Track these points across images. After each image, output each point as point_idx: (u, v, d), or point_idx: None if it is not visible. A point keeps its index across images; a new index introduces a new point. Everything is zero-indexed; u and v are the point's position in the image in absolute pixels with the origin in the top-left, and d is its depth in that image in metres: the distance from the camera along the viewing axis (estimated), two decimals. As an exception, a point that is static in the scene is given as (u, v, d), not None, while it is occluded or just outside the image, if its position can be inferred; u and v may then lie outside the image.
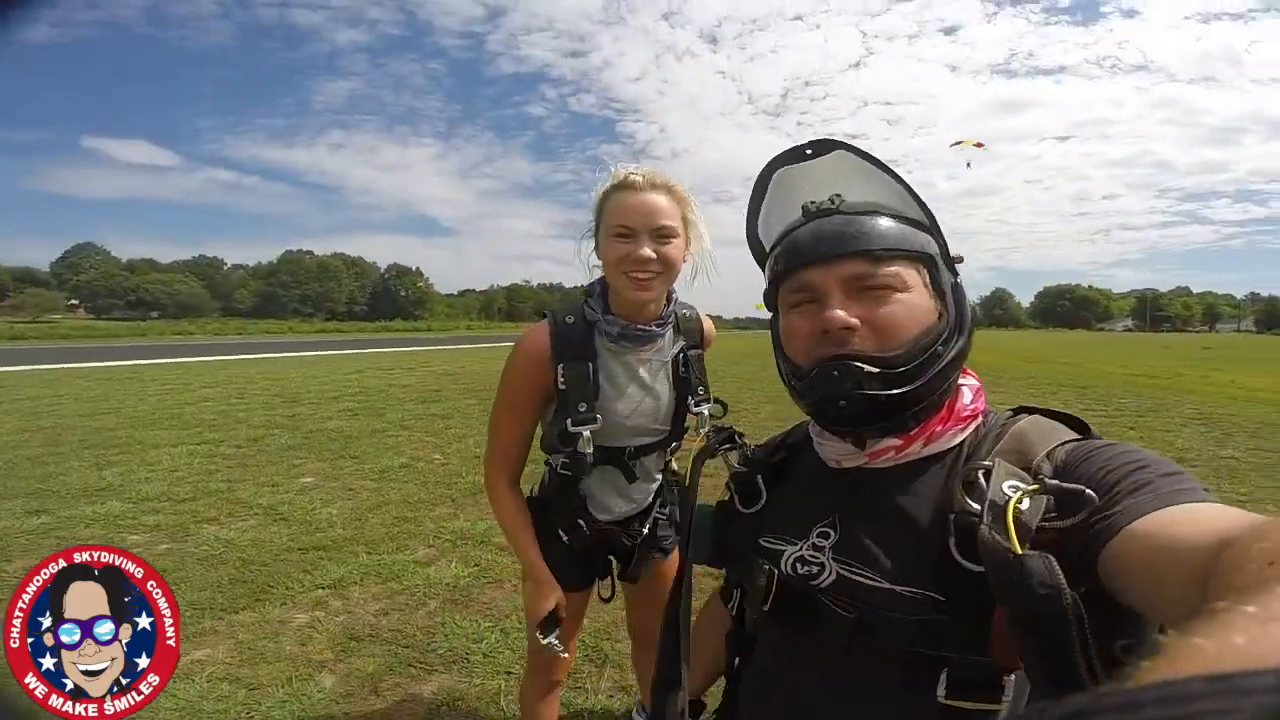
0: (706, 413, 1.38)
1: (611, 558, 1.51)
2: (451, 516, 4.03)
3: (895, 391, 0.67)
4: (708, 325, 1.46)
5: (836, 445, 0.75)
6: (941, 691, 0.60)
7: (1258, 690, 0.15)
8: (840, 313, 0.68)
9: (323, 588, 2.97)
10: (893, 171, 0.75)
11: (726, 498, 0.88)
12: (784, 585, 0.73)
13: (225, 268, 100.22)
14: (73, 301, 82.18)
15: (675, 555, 1.54)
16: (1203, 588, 0.40)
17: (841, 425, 0.72)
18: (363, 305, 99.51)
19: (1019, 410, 0.76)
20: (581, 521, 1.38)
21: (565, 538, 1.39)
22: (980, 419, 0.74)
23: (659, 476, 1.48)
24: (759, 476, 0.84)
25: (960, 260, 0.75)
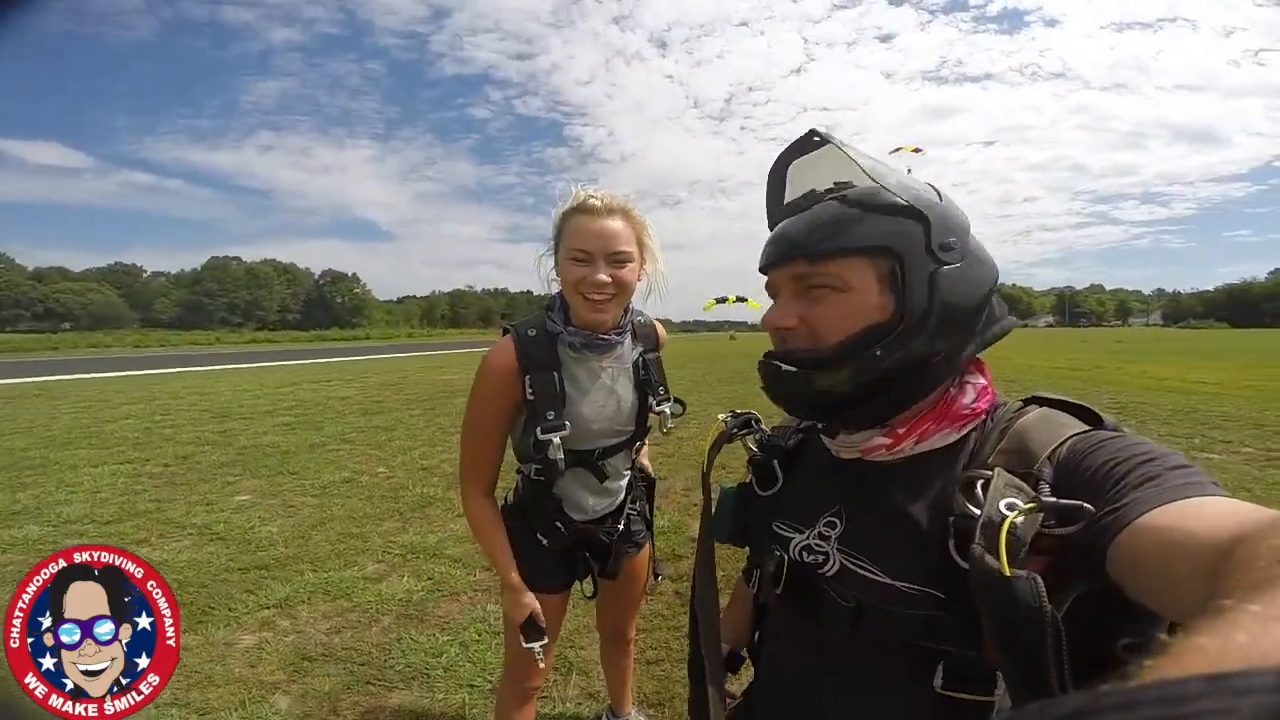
0: (668, 411, 1.45)
1: (589, 557, 1.55)
2: (400, 530, 3.93)
3: (811, 391, 0.70)
4: (660, 330, 1.54)
5: (830, 439, 0.78)
6: (938, 682, 0.62)
7: (1257, 690, 0.15)
8: (773, 314, 0.72)
9: (268, 608, 2.86)
10: (879, 161, 0.73)
11: (748, 480, 0.89)
12: (793, 571, 0.75)
13: (145, 276, 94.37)
14: (-30, 313, 75.84)
15: (646, 550, 1.64)
16: (1213, 584, 0.40)
17: (792, 414, 0.76)
18: (296, 314, 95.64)
19: (1029, 401, 0.74)
20: (559, 524, 1.43)
21: (544, 540, 1.44)
22: (983, 417, 0.72)
23: (627, 473, 1.53)
24: (774, 461, 0.85)
25: (953, 246, 0.68)
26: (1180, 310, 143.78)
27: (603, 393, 1.38)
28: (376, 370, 16.96)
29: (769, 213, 0.82)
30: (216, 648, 2.52)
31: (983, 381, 0.74)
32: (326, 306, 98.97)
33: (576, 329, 1.32)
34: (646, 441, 1.57)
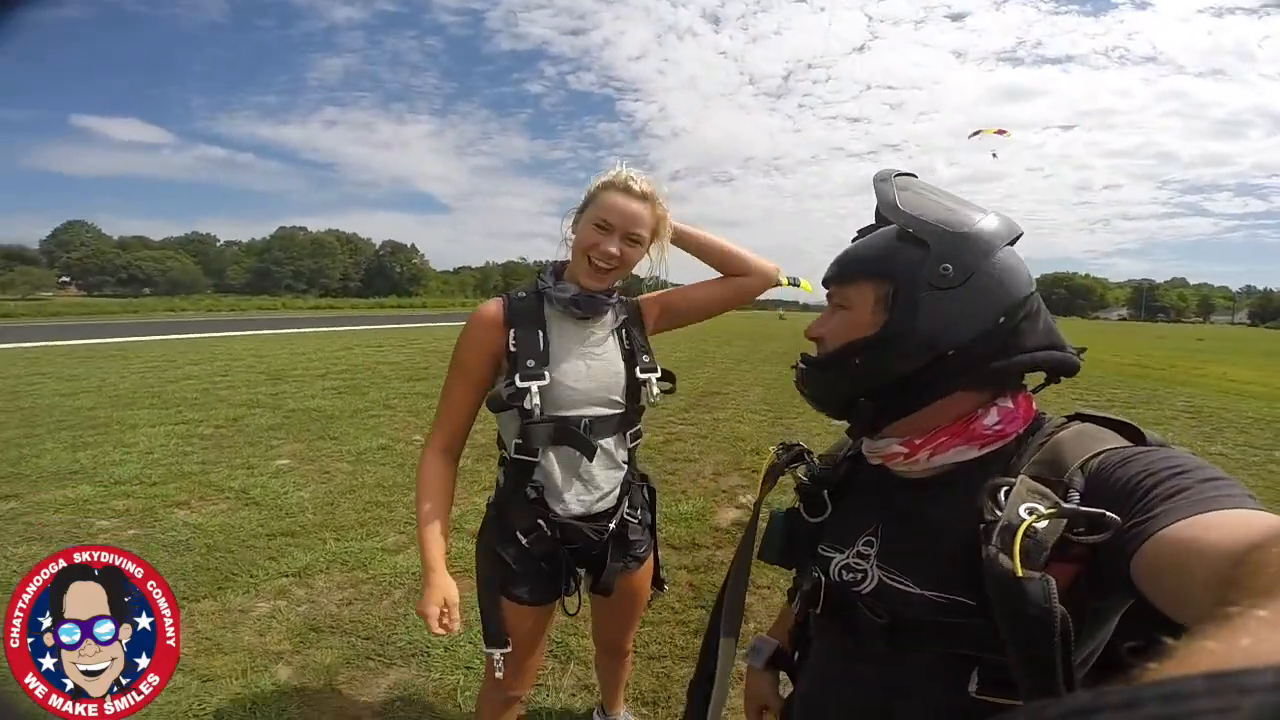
0: (654, 379, 1.41)
1: (580, 570, 1.46)
2: (426, 502, 3.97)
3: (809, 390, 0.83)
4: (641, 302, 1.51)
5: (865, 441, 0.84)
6: (973, 687, 0.65)
7: (1257, 689, 0.15)
8: (812, 327, 0.84)
9: (287, 576, 2.93)
10: (928, 191, 0.81)
11: (796, 505, 0.93)
12: (831, 590, 0.80)
13: (218, 244, 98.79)
14: (64, 279, 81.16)
15: (648, 566, 1.53)
16: (1225, 592, 0.39)
17: (815, 408, 0.85)
18: (357, 282, 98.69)
19: (1074, 417, 0.76)
20: (540, 521, 1.34)
21: (525, 541, 1.35)
22: (1009, 438, 0.74)
23: (623, 464, 1.42)
24: (824, 492, 0.89)
25: (950, 274, 0.72)
26: (1271, 309, 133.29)
27: (587, 352, 1.37)
28: (427, 337, 17.36)
29: None
30: (231, 614, 2.59)
31: (1010, 406, 0.75)
32: (386, 275, 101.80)
33: (566, 284, 1.35)
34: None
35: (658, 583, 1.62)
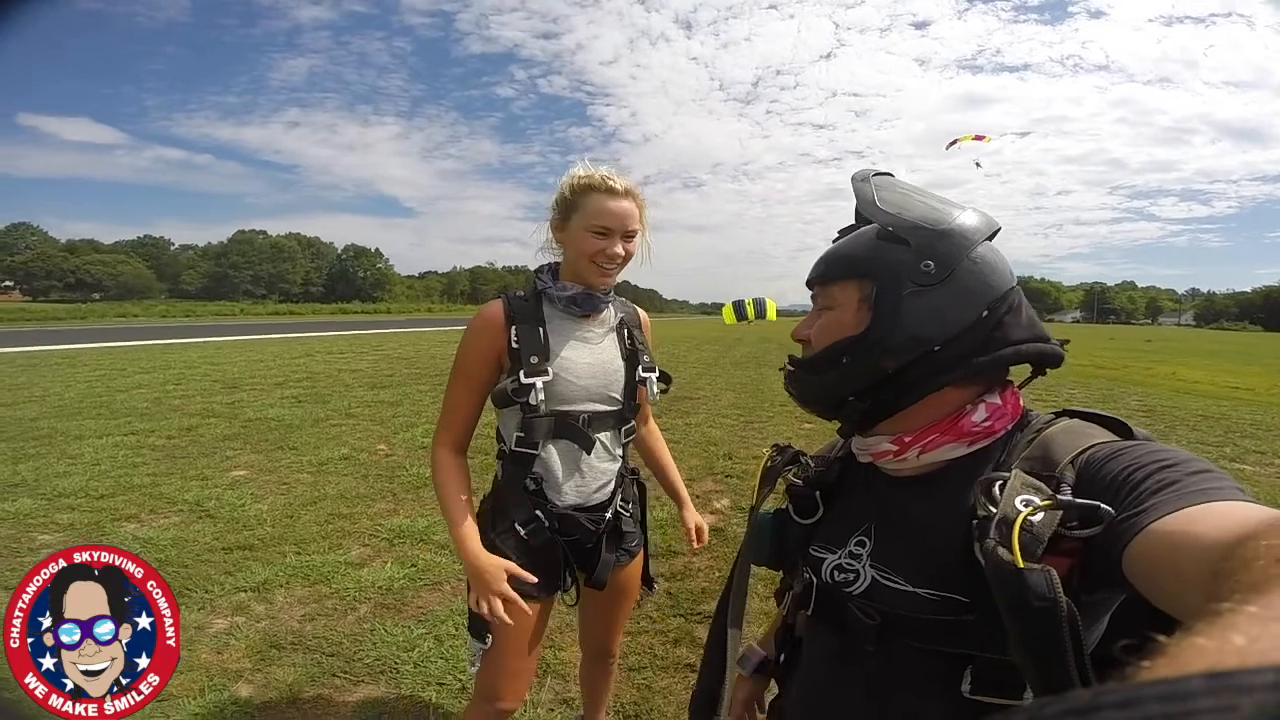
0: (654, 377, 1.45)
1: (575, 563, 1.45)
2: (391, 513, 3.86)
3: (797, 389, 0.83)
4: (643, 315, 1.56)
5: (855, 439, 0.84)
6: (966, 687, 0.64)
7: (1258, 688, 0.15)
8: (797, 329, 0.83)
9: (245, 591, 2.79)
10: (908, 190, 0.82)
11: (784, 507, 0.93)
12: (822, 590, 0.79)
13: (173, 248, 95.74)
14: (7, 283, 77.64)
15: (639, 561, 1.57)
16: (1216, 585, 0.40)
17: (804, 409, 0.85)
18: (319, 287, 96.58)
19: (1061, 414, 0.77)
20: (539, 512, 1.36)
21: (523, 532, 1.36)
22: (998, 434, 0.75)
23: (618, 458, 1.45)
24: (816, 493, 0.89)
25: (931, 271, 0.72)
26: (1214, 311, 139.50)
27: (588, 349, 1.40)
28: (391, 344, 17.00)
29: None
30: (187, 632, 2.42)
31: (998, 402, 0.75)
32: (349, 280, 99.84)
33: (565, 283, 1.38)
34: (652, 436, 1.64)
35: (647, 581, 1.63)
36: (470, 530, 1.31)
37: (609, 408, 1.41)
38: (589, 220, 1.33)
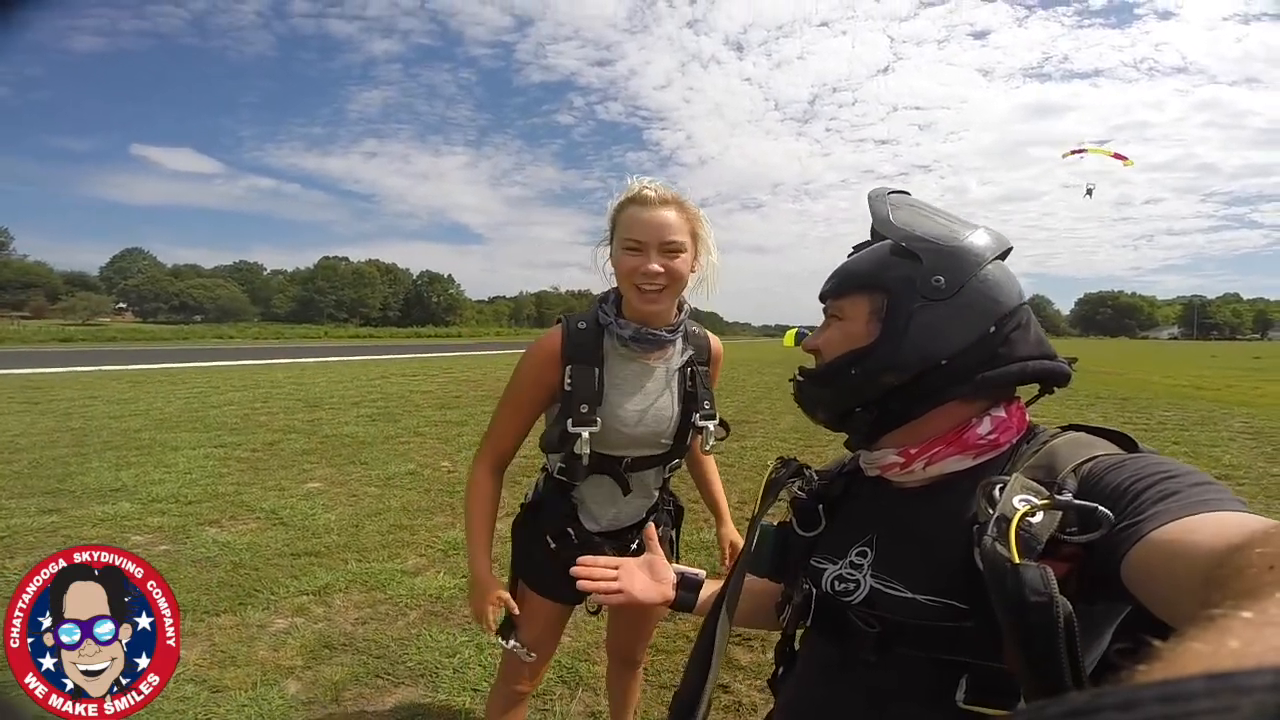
0: (711, 429, 1.38)
1: None
2: (448, 526, 4.00)
3: (806, 400, 0.84)
4: (715, 345, 1.48)
5: (862, 454, 0.85)
6: (961, 696, 0.64)
7: (1257, 689, 0.15)
8: (808, 340, 0.86)
9: (307, 594, 2.96)
10: (921, 207, 0.84)
11: (787, 519, 0.94)
12: (821, 601, 0.80)
13: (265, 273, 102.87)
14: (120, 305, 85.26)
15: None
16: (1209, 592, 0.40)
17: (813, 421, 0.86)
18: (396, 311, 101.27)
19: (1066, 428, 0.77)
20: (570, 530, 1.38)
21: (553, 544, 1.39)
22: (1004, 448, 0.75)
23: (655, 493, 1.47)
24: (820, 506, 0.89)
25: (942, 286, 0.74)
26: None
27: (644, 397, 1.33)
28: (461, 366, 17.65)
29: None
30: (249, 629, 2.63)
31: (1003, 415, 0.76)
32: (423, 305, 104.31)
33: (627, 321, 1.31)
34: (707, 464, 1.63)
35: None
36: (482, 550, 1.36)
37: (655, 452, 1.38)
38: (623, 234, 1.27)
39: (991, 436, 0.75)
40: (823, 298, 0.86)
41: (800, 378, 0.85)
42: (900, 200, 0.84)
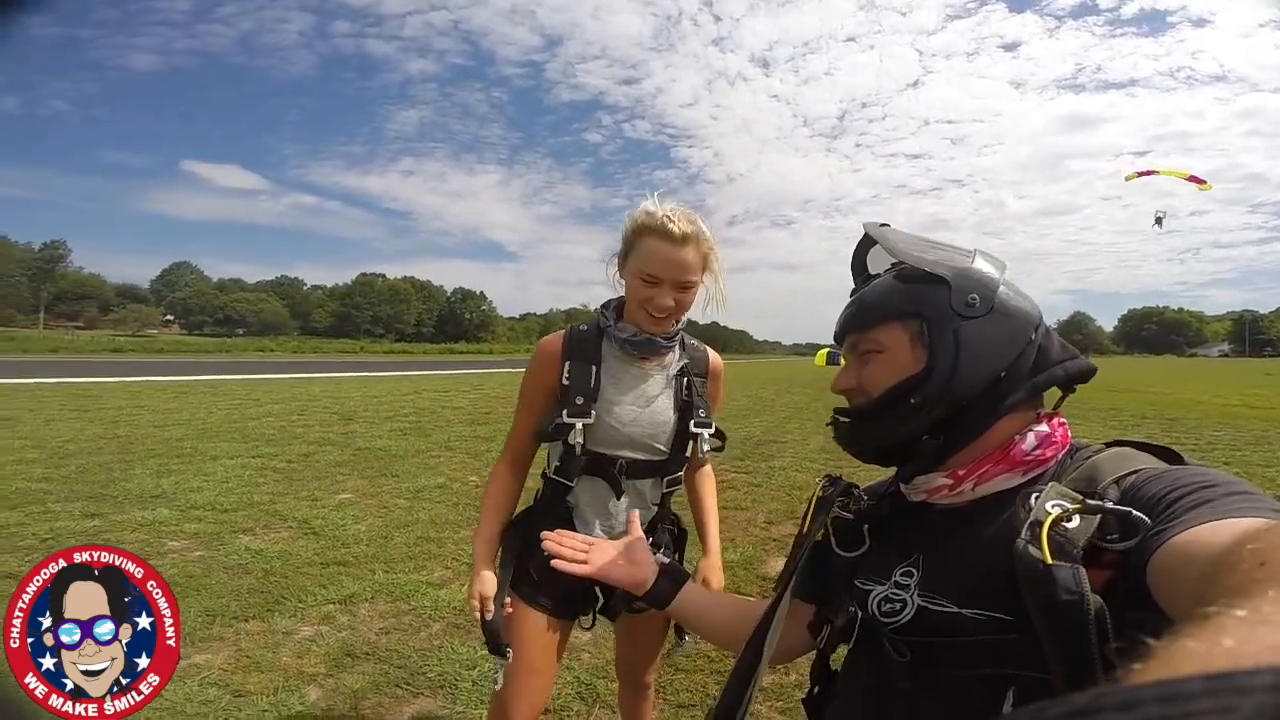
0: (705, 435, 1.40)
1: (598, 589, 1.42)
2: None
3: (865, 437, 0.82)
4: (715, 360, 1.51)
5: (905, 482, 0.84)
6: (1009, 708, 0.65)
7: (1257, 689, 0.15)
8: (837, 380, 0.85)
9: (333, 603, 3.00)
10: (912, 239, 0.85)
11: (821, 537, 0.92)
12: (865, 624, 0.80)
13: (305, 288, 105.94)
14: (168, 317, 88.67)
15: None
16: (1203, 590, 0.41)
17: (861, 460, 0.84)
18: (430, 327, 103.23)
19: (1112, 444, 0.77)
20: None
21: (547, 553, 1.35)
22: (1050, 464, 0.76)
23: (653, 506, 1.43)
24: (864, 527, 0.89)
25: (974, 304, 0.76)
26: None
27: (640, 397, 1.37)
28: (492, 383, 17.85)
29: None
30: (275, 635, 2.67)
31: (1046, 430, 0.77)
32: (457, 321, 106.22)
33: (626, 324, 1.36)
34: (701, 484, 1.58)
35: (679, 631, 1.50)
36: (488, 540, 1.38)
37: (651, 457, 1.38)
38: (641, 265, 1.29)
39: (1038, 452, 0.75)
40: (841, 336, 0.86)
41: (846, 418, 0.84)
42: (895, 232, 0.86)
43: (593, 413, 1.32)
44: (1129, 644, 0.56)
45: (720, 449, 1.47)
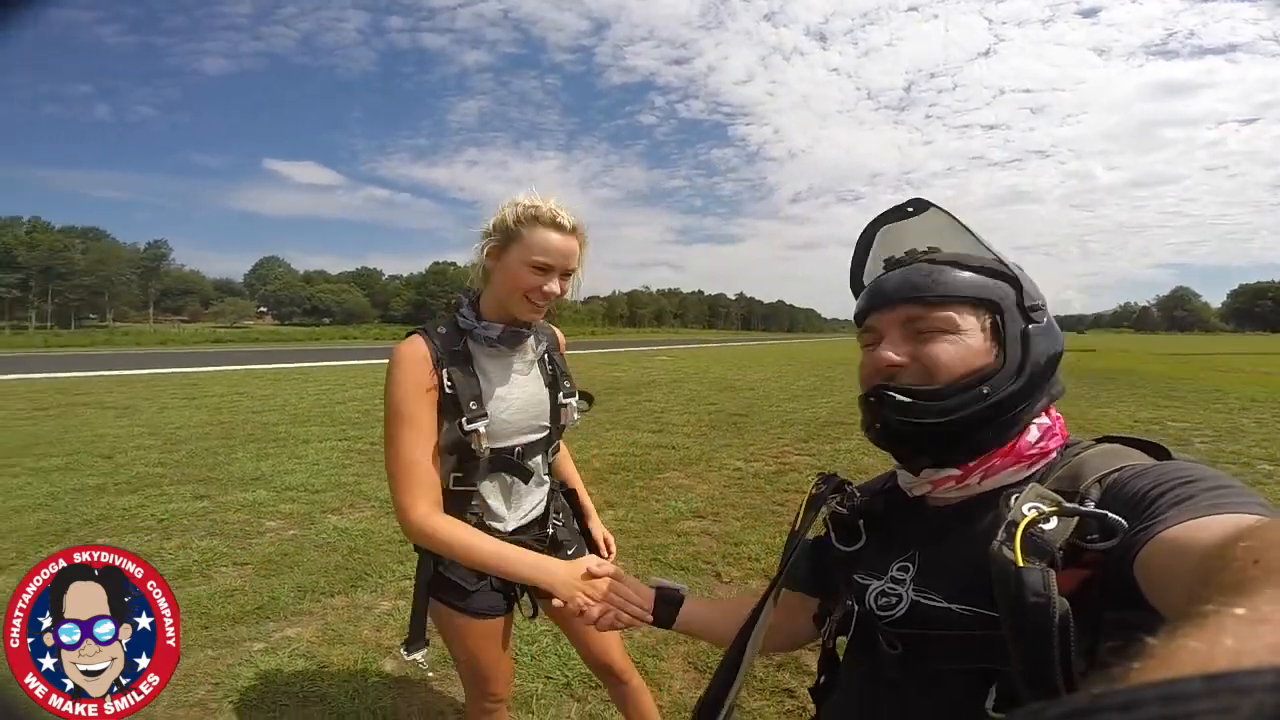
0: (574, 404, 1.48)
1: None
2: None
3: (925, 421, 0.75)
4: (559, 334, 1.59)
5: (905, 474, 0.84)
6: (990, 704, 0.66)
7: (1256, 690, 0.15)
8: (887, 352, 0.78)
9: (409, 579, 3.18)
10: (973, 233, 0.83)
11: (823, 533, 0.95)
12: (862, 617, 0.82)
13: (383, 278, 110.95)
14: (261, 309, 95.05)
15: None
16: (1197, 588, 0.41)
17: (882, 445, 0.81)
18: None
19: (1101, 440, 0.78)
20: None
21: None
22: (1052, 455, 0.77)
23: (547, 479, 1.50)
24: (860, 521, 0.90)
25: (1040, 308, 0.78)
26: None
27: (516, 386, 1.40)
28: (558, 366, 18.16)
29: (856, 271, 0.94)
30: (357, 610, 2.92)
31: (1048, 422, 0.78)
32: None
33: (490, 322, 1.36)
34: (564, 450, 1.62)
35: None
36: (506, 547, 1.25)
37: (539, 436, 1.43)
38: (530, 254, 1.29)
39: (1041, 444, 0.76)
40: (895, 302, 0.79)
41: (906, 397, 0.76)
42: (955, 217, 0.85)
43: (489, 414, 1.31)
44: (1107, 643, 0.59)
45: (587, 410, 1.53)
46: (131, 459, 5.88)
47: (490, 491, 1.39)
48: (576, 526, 1.63)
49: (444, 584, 1.39)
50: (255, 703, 2.26)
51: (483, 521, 1.36)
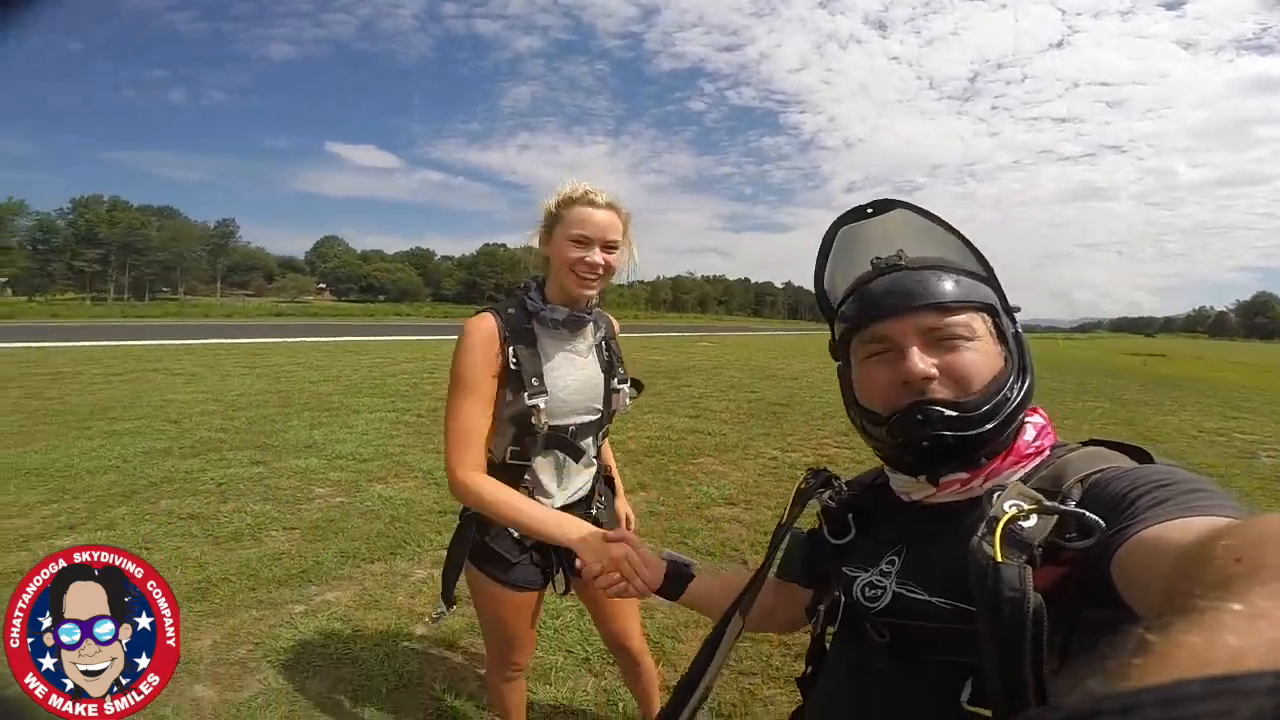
0: (626, 390, 1.55)
1: (559, 552, 1.50)
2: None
3: (973, 433, 0.72)
4: (615, 323, 1.64)
5: (906, 480, 0.82)
6: (965, 696, 0.67)
7: (1256, 692, 0.16)
8: (920, 364, 0.73)
9: (444, 549, 3.34)
10: (952, 227, 0.82)
11: (817, 526, 0.96)
12: (848, 608, 0.82)
13: (436, 258, 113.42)
14: (321, 285, 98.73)
15: None
16: (1174, 584, 0.42)
17: (922, 467, 0.77)
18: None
19: (1086, 443, 0.78)
20: None
21: (516, 533, 1.44)
22: (1046, 454, 0.77)
23: (595, 461, 1.57)
24: (849, 515, 0.90)
25: (1018, 310, 0.80)
26: None
27: (575, 368, 1.47)
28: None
29: (820, 274, 0.93)
30: (394, 577, 3.06)
31: (1041, 420, 0.80)
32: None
33: (555, 305, 1.43)
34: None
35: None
36: (546, 510, 1.32)
37: (592, 418, 1.49)
38: (570, 229, 1.39)
39: (1037, 442, 0.77)
40: (911, 309, 0.75)
41: (953, 411, 0.72)
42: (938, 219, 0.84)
43: (550, 390, 1.38)
44: (1081, 640, 0.61)
45: (636, 397, 1.59)
46: (196, 424, 6.23)
47: (543, 468, 1.46)
48: (617, 511, 1.69)
49: (488, 554, 1.47)
50: (291, 663, 2.38)
51: (532, 496, 1.41)
